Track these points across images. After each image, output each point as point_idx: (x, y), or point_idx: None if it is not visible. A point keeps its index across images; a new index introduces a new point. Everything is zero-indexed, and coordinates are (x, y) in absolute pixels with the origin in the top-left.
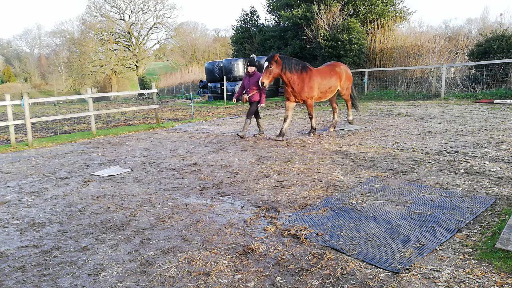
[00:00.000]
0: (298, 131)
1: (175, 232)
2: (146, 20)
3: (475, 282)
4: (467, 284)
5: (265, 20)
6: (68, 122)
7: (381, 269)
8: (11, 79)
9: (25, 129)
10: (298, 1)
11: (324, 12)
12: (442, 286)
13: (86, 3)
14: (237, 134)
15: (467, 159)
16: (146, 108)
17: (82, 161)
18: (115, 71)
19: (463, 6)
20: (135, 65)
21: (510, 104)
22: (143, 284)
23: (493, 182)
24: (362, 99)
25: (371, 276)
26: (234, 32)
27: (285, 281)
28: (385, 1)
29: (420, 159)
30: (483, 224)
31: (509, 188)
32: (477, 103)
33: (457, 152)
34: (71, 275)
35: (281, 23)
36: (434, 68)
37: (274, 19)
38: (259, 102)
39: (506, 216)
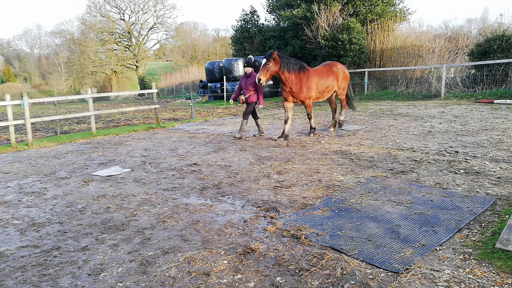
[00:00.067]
0: (298, 131)
1: (175, 232)
2: (146, 20)
3: (475, 282)
4: (467, 284)
5: (265, 20)
6: (68, 122)
7: (381, 269)
8: (11, 79)
9: (25, 129)
10: (298, 1)
11: (324, 12)
12: (442, 286)
13: (86, 3)
14: (234, 136)
15: (467, 159)
16: (146, 108)
17: (82, 161)
18: (115, 71)
19: (463, 6)
20: (135, 65)
21: (510, 104)
22: (143, 284)
23: (493, 182)
24: (362, 99)
25: (371, 276)
26: (234, 32)
27: (285, 281)
28: (385, 1)
29: (420, 159)
30: (483, 224)
31: (509, 188)
32: (477, 103)
33: (457, 152)
34: (71, 275)
35: (281, 23)
36: (434, 68)
37: (274, 19)
38: (256, 103)
39: (506, 216)
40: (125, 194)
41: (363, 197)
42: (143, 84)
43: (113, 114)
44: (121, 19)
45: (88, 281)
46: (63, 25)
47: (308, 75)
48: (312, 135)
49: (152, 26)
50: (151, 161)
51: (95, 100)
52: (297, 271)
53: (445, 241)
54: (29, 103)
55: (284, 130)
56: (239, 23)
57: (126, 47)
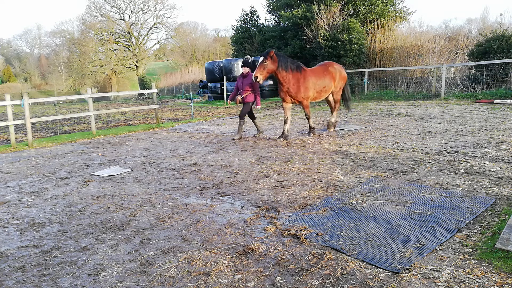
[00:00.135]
0: (298, 131)
1: (175, 232)
2: (146, 20)
3: (475, 282)
4: (467, 284)
5: (265, 20)
6: (68, 122)
7: (381, 269)
8: (11, 79)
9: (25, 129)
10: (298, 1)
11: (324, 12)
12: (442, 286)
13: (86, 3)
14: (233, 139)
15: (467, 159)
16: (146, 108)
17: (82, 161)
18: (115, 71)
19: (463, 6)
20: (135, 65)
21: (510, 104)
22: (143, 284)
23: (493, 182)
24: (362, 99)
25: (371, 276)
26: (234, 32)
27: (285, 281)
28: (385, 1)
29: (420, 159)
30: (483, 224)
31: (509, 188)
32: (477, 103)
33: (457, 152)
34: (71, 275)
35: (281, 23)
36: (434, 68)
37: (274, 19)
38: (253, 103)
39: (506, 216)
40: (125, 194)
41: (363, 197)
42: (143, 84)
43: (113, 114)
44: (121, 19)
45: (88, 281)
46: (63, 25)
47: (305, 75)
48: (312, 135)
49: (152, 26)
50: (151, 161)
51: (95, 100)
52: (297, 271)
53: (445, 241)
54: (29, 103)
55: (284, 130)
56: (239, 23)
57: (126, 47)
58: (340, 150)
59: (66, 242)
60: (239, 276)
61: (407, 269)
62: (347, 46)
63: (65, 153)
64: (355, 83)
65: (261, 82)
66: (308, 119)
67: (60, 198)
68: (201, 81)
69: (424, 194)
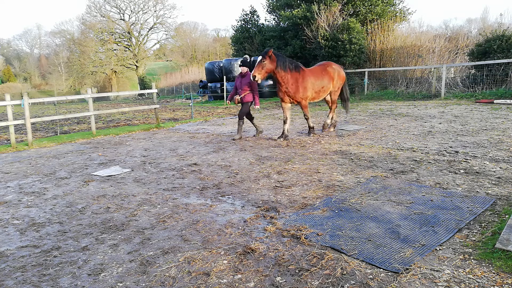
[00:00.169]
0: (298, 131)
1: (175, 232)
2: (146, 20)
3: (475, 282)
4: (467, 284)
5: (265, 20)
6: (68, 122)
7: (381, 269)
8: (11, 79)
9: (25, 129)
10: (298, 1)
11: (324, 12)
12: (442, 286)
13: (86, 3)
14: (233, 139)
15: (467, 159)
16: (146, 108)
17: (82, 161)
18: (115, 71)
19: (463, 6)
20: (135, 65)
21: (510, 104)
22: (143, 284)
23: (493, 182)
24: (362, 99)
25: (371, 276)
26: (234, 32)
27: (285, 281)
28: (385, 1)
29: (420, 159)
30: (483, 224)
31: (509, 188)
32: (477, 103)
33: (457, 152)
34: (71, 275)
35: (281, 23)
36: (434, 68)
37: (274, 19)
38: (251, 102)
39: (506, 216)
40: (125, 194)
41: (363, 197)
42: (143, 84)
43: (113, 114)
44: (121, 19)
45: (88, 281)
46: (63, 25)
47: (304, 75)
48: (311, 135)
49: (152, 26)
50: (151, 161)
51: (95, 100)
52: (297, 271)
53: (445, 241)
54: (29, 103)
55: (283, 130)
56: (239, 23)
57: (126, 47)
58: (340, 150)
59: (66, 242)
60: (239, 276)
61: (407, 269)
62: (347, 46)
63: (65, 153)
64: (355, 83)
65: (259, 81)
66: (307, 119)
67: (60, 198)
68: (201, 81)
69: (424, 194)
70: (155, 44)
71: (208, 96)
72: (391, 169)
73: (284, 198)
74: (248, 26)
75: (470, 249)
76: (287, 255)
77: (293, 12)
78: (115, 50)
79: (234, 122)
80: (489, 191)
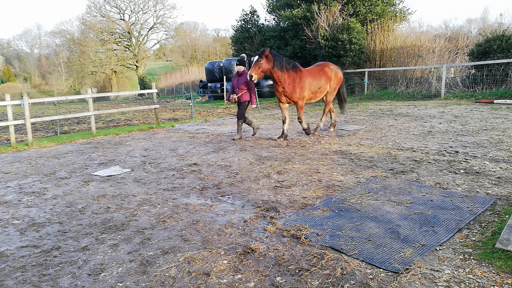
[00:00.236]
0: (298, 131)
1: (175, 232)
2: (146, 20)
3: (475, 282)
4: (467, 284)
5: (265, 20)
6: (68, 122)
7: (381, 269)
8: (11, 79)
9: (25, 129)
10: (298, 1)
11: (324, 12)
12: (442, 286)
13: (86, 3)
14: (233, 139)
15: (467, 159)
16: (146, 108)
17: (82, 161)
18: (115, 71)
19: (463, 6)
20: (135, 65)
21: (510, 104)
22: (143, 284)
23: (493, 182)
24: (362, 99)
25: (371, 276)
26: (234, 32)
27: (285, 281)
28: (385, 1)
29: (420, 159)
30: (483, 224)
31: (509, 188)
32: (477, 103)
33: (457, 152)
34: (71, 275)
35: (281, 23)
36: (434, 68)
37: (274, 19)
38: (249, 102)
39: (506, 216)
40: (125, 194)
41: (363, 197)
42: (143, 84)
43: (113, 114)
44: (121, 19)
45: (88, 281)
46: (63, 25)
47: (301, 75)
48: (312, 134)
49: (152, 26)
50: (151, 161)
51: (95, 100)
52: (297, 271)
53: (445, 241)
54: (29, 103)
55: (283, 130)
56: (239, 23)
57: (126, 47)
58: (340, 150)
59: (66, 242)
60: (239, 276)
61: (407, 269)
62: (347, 46)
63: (65, 153)
64: (355, 83)
65: (255, 81)
66: (300, 122)
67: (60, 198)
68: (201, 81)
69: (424, 194)
70: (155, 44)
71: (208, 96)
72: (391, 169)
73: (284, 198)
74: (248, 26)
75: (470, 249)
76: (287, 255)
77: (293, 12)
78: (115, 50)
79: (234, 122)
80: (489, 191)
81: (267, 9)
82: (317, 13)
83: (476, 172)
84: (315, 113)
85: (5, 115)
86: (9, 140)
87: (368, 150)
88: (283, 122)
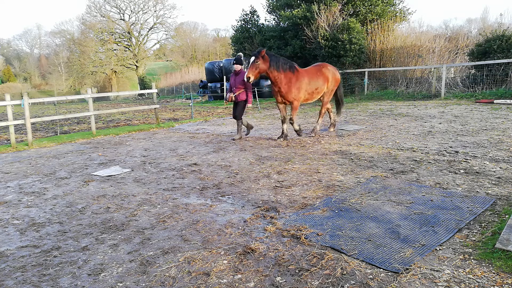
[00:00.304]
0: None
1: (175, 232)
2: (146, 20)
3: (475, 282)
4: (467, 284)
5: (265, 20)
6: (68, 122)
7: (381, 269)
8: (11, 79)
9: (25, 129)
10: (298, 1)
11: (324, 12)
12: (442, 286)
13: (86, 3)
14: (233, 139)
15: (467, 159)
16: (146, 108)
17: (82, 161)
18: (115, 71)
19: (463, 6)
20: (135, 65)
21: (510, 104)
22: (143, 284)
23: (493, 182)
24: (362, 99)
25: (371, 276)
26: (234, 32)
27: (285, 281)
28: (385, 1)
29: (420, 159)
30: (483, 224)
31: (509, 188)
32: (477, 103)
33: (457, 152)
34: (71, 275)
35: (281, 23)
36: (434, 68)
37: (274, 19)
38: (245, 101)
39: (506, 216)
40: (125, 194)
41: (363, 197)
42: (143, 84)
43: (113, 114)
44: (121, 19)
45: (88, 281)
46: (63, 25)
47: (298, 75)
48: (312, 134)
49: (152, 26)
50: (151, 161)
51: (95, 100)
52: (297, 271)
53: (445, 241)
54: (29, 103)
55: (283, 130)
56: (239, 23)
57: (126, 47)
58: (340, 150)
59: (66, 242)
60: (239, 276)
61: (407, 269)
62: (347, 46)
63: (65, 153)
64: (355, 83)
65: (252, 81)
66: (292, 123)
67: (60, 198)
68: (201, 81)
69: (424, 194)
70: (155, 44)
71: (208, 96)
72: (391, 169)
73: (284, 198)
74: (248, 26)
75: (470, 249)
76: (287, 255)
77: (293, 12)
78: (115, 50)
79: (234, 122)
80: (489, 191)
81: (267, 9)
82: (317, 13)
83: (476, 172)
84: (315, 113)
85: (5, 115)
86: (9, 140)
87: (368, 150)
88: (282, 122)
